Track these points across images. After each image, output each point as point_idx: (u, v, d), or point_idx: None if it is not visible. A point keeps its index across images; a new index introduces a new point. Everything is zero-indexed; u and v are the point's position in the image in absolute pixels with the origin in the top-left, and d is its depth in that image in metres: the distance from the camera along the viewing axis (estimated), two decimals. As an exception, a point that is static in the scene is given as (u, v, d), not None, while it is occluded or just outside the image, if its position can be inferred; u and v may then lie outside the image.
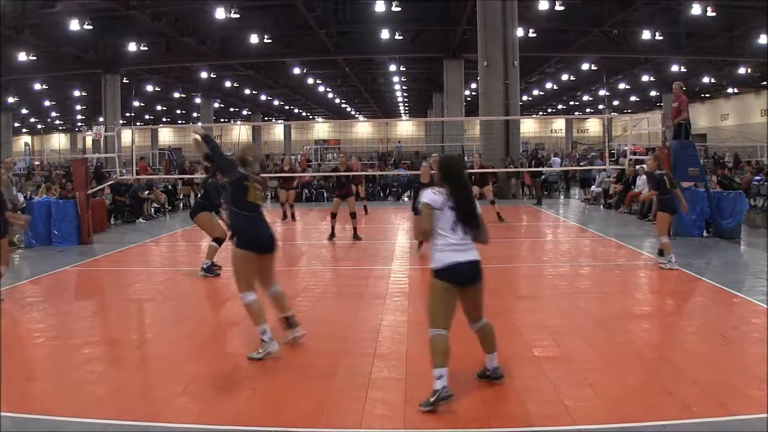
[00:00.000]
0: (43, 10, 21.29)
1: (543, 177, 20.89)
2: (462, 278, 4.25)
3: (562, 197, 21.60)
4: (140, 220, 15.68)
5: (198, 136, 5.70)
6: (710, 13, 20.97)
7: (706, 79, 36.53)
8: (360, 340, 5.64)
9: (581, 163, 23.82)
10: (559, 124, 58.40)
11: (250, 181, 5.23)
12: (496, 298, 7.35)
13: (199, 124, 50.36)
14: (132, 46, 25.63)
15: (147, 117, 52.84)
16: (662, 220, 8.89)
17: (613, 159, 18.72)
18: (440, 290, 4.23)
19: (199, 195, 10.66)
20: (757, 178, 16.41)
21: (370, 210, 16.80)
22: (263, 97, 46.27)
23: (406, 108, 58.36)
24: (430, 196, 4.26)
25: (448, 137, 29.53)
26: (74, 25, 21.77)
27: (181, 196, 19.81)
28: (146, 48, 26.16)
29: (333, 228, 11.78)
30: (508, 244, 11.93)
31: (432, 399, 4.01)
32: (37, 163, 36.29)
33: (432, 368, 4.10)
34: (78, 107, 46.56)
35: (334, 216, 11.73)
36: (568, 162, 26.87)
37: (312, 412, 4.08)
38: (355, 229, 11.64)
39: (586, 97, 48.40)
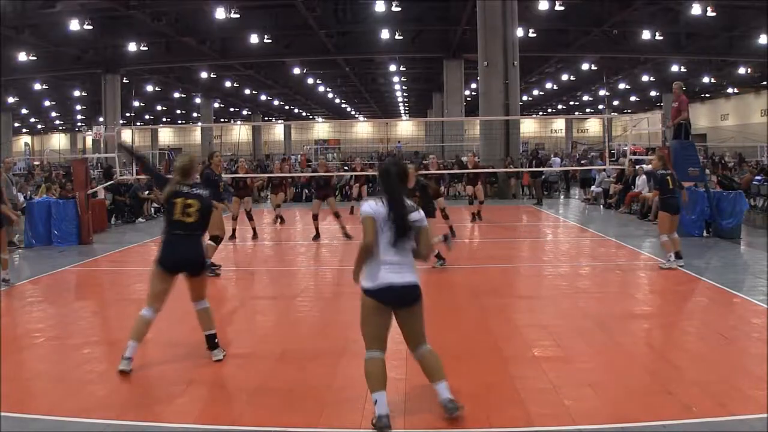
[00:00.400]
0: (43, 10, 21.29)
1: (543, 177, 20.90)
2: (394, 301, 3.89)
3: (562, 197, 21.60)
4: (140, 219, 15.68)
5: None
6: (710, 13, 20.98)
7: (706, 79, 36.54)
8: (360, 340, 5.61)
9: (581, 162, 23.82)
10: (559, 124, 58.40)
11: (181, 197, 4.98)
12: (496, 298, 7.37)
13: (199, 124, 50.51)
14: (132, 46, 25.64)
15: (147, 117, 52.84)
16: (663, 219, 8.87)
17: (613, 159, 18.71)
18: (371, 309, 3.88)
19: None
20: (758, 178, 16.41)
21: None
22: (263, 97, 46.29)
23: (406, 108, 58.37)
24: (372, 206, 3.90)
25: (448, 137, 29.55)
26: (74, 25, 21.79)
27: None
28: (146, 48, 26.18)
29: (317, 229, 11.92)
30: (508, 244, 11.94)
31: (373, 421, 3.75)
32: (36, 163, 36.31)
33: (370, 392, 3.84)
34: (78, 107, 46.57)
35: (315, 217, 11.89)
36: (568, 162, 26.87)
37: (312, 412, 4.08)
38: (343, 228, 11.70)
39: (586, 97, 48.41)
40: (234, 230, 12.03)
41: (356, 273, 3.97)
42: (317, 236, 11.81)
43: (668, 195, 8.80)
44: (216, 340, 5.15)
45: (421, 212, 4.02)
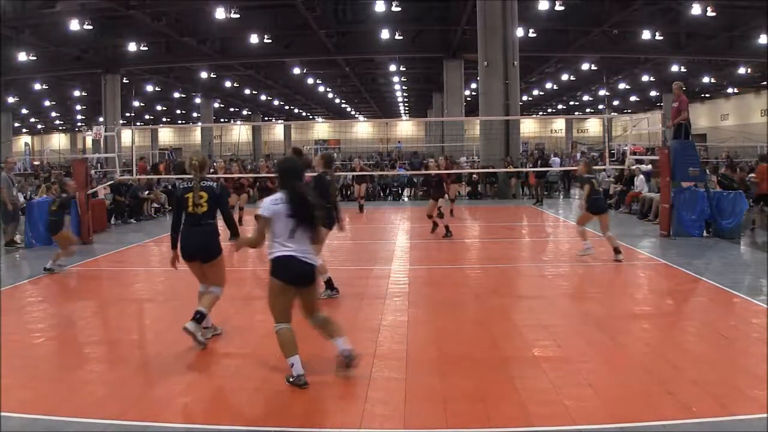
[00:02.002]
0: (43, 10, 21.31)
1: (545, 177, 20.90)
2: (297, 280, 4.53)
3: (561, 197, 21.60)
4: (131, 220, 15.59)
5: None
6: (710, 13, 20.99)
7: (706, 79, 36.55)
8: (360, 340, 5.64)
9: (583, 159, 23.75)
10: (559, 124, 58.43)
11: (191, 192, 5.43)
12: (496, 298, 7.37)
13: (199, 124, 50.52)
14: (132, 46, 25.66)
15: (147, 117, 52.86)
16: (586, 217, 9.52)
17: (613, 159, 18.71)
18: (277, 289, 4.54)
19: None
20: (751, 175, 16.43)
21: (370, 210, 16.79)
22: (263, 97, 46.30)
23: (406, 108, 58.38)
24: (266, 205, 4.50)
25: (448, 137, 29.56)
26: (74, 25, 21.80)
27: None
28: (146, 48, 26.19)
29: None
30: (508, 244, 11.94)
31: (292, 380, 4.45)
32: (36, 163, 36.31)
33: (285, 358, 4.50)
34: (78, 107, 46.61)
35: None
36: (568, 162, 26.87)
37: (312, 412, 4.08)
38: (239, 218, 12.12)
39: (586, 97, 48.42)
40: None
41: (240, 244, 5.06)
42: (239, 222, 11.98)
43: (595, 196, 9.51)
44: (198, 316, 5.35)
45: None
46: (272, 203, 4.48)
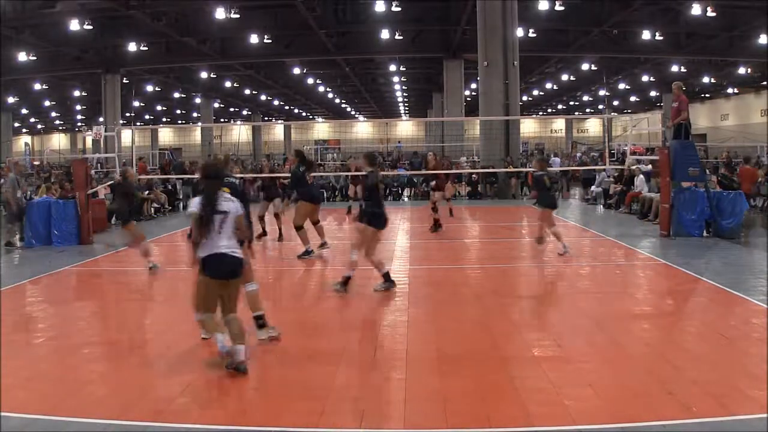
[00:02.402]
0: (43, 10, 21.30)
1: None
2: (222, 275, 4.81)
3: (561, 197, 21.58)
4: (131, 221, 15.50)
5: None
6: (710, 13, 20.97)
7: (706, 79, 36.54)
8: (360, 340, 5.65)
9: (585, 161, 23.78)
10: (559, 124, 58.41)
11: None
12: (496, 298, 7.38)
13: (199, 124, 50.53)
14: (132, 46, 25.64)
15: (147, 117, 52.85)
16: (547, 214, 9.92)
17: (613, 159, 18.72)
18: (203, 283, 4.85)
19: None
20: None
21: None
22: (263, 97, 46.28)
23: (406, 108, 58.36)
24: (195, 204, 4.88)
25: (448, 137, 29.56)
26: (74, 25, 21.78)
27: (181, 196, 19.81)
28: (146, 48, 26.17)
29: (263, 228, 12.00)
30: (508, 244, 11.94)
31: (223, 360, 4.72)
32: (36, 163, 36.31)
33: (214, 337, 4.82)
34: (78, 107, 46.58)
35: (261, 219, 11.86)
36: (567, 162, 26.86)
37: (312, 412, 4.08)
38: (279, 229, 11.86)
39: (586, 97, 48.40)
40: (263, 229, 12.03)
41: (192, 254, 4.92)
42: (264, 234, 11.85)
43: (547, 192, 9.98)
44: (261, 321, 5.49)
45: (235, 203, 4.93)
46: (197, 202, 4.86)
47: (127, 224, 9.34)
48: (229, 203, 4.88)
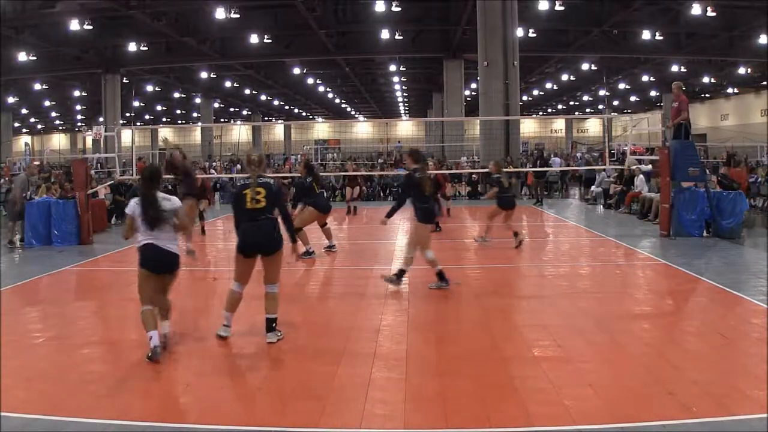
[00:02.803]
0: (43, 10, 21.31)
1: (545, 177, 20.90)
2: (156, 268, 5.25)
3: (561, 197, 21.60)
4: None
5: None
6: (710, 13, 20.98)
7: (706, 79, 36.54)
8: (360, 340, 5.64)
9: (587, 161, 23.77)
10: (559, 124, 58.40)
11: (249, 188, 5.51)
12: (496, 298, 7.37)
13: (199, 124, 50.51)
14: (132, 46, 25.65)
15: (147, 117, 52.85)
16: (495, 211, 10.96)
17: (613, 159, 18.72)
18: (142, 276, 5.26)
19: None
20: (751, 176, 16.48)
21: (370, 210, 16.76)
22: (263, 97, 46.29)
23: (406, 108, 58.36)
24: (132, 206, 5.27)
25: (448, 137, 29.56)
26: (74, 25, 21.79)
27: (181, 196, 19.77)
28: (146, 48, 26.18)
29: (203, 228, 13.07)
30: (508, 244, 11.92)
31: (150, 354, 5.01)
32: (36, 162, 36.27)
33: (146, 332, 5.10)
34: (78, 107, 46.58)
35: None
36: (565, 162, 26.86)
37: (312, 412, 4.08)
38: (202, 228, 12.94)
39: (586, 97, 48.41)
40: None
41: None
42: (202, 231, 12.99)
43: (504, 194, 10.77)
44: (274, 324, 5.56)
45: (174, 200, 5.32)
46: (134, 203, 5.24)
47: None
48: (166, 202, 5.26)
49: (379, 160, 30.33)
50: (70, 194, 12.50)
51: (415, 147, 9.35)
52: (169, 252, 5.24)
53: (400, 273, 7.59)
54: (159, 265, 5.25)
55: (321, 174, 12.90)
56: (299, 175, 10.86)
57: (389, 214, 7.64)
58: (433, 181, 12.72)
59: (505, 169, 11.86)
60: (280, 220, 5.61)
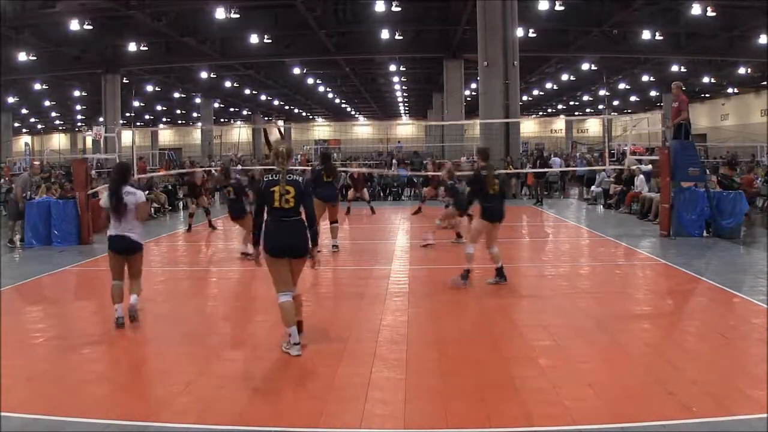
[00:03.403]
0: (43, 10, 21.30)
1: (545, 177, 20.89)
2: (119, 249, 6.17)
3: (561, 197, 21.60)
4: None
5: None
6: (710, 13, 20.97)
7: (706, 79, 36.54)
8: (360, 340, 5.65)
9: (587, 156, 23.78)
10: (559, 124, 58.42)
11: (278, 185, 5.19)
12: (496, 298, 7.37)
13: (199, 124, 50.52)
14: (132, 46, 25.64)
15: (147, 117, 52.85)
16: (450, 213, 11.00)
17: (613, 159, 18.72)
18: (110, 258, 6.24)
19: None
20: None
21: (370, 210, 16.73)
22: (263, 97, 46.27)
23: (406, 108, 58.35)
24: (104, 199, 6.27)
25: (448, 137, 29.58)
26: (74, 25, 21.78)
27: (181, 196, 19.82)
28: (146, 48, 26.17)
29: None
30: (508, 244, 11.92)
31: (115, 324, 5.99)
32: (36, 163, 36.26)
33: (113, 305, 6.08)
34: (78, 107, 46.58)
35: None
36: (564, 163, 26.85)
37: (312, 412, 4.08)
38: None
39: (586, 97, 48.40)
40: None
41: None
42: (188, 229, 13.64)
43: (460, 198, 10.60)
44: (300, 328, 5.36)
45: (136, 195, 6.20)
46: (107, 197, 6.15)
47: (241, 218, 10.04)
48: (131, 196, 6.13)
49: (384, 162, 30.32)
50: (70, 194, 12.49)
51: (485, 147, 9.48)
52: (129, 238, 6.16)
53: (466, 273, 7.73)
54: (122, 249, 6.19)
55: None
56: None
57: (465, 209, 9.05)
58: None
59: (504, 170, 11.84)
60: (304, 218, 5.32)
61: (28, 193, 12.30)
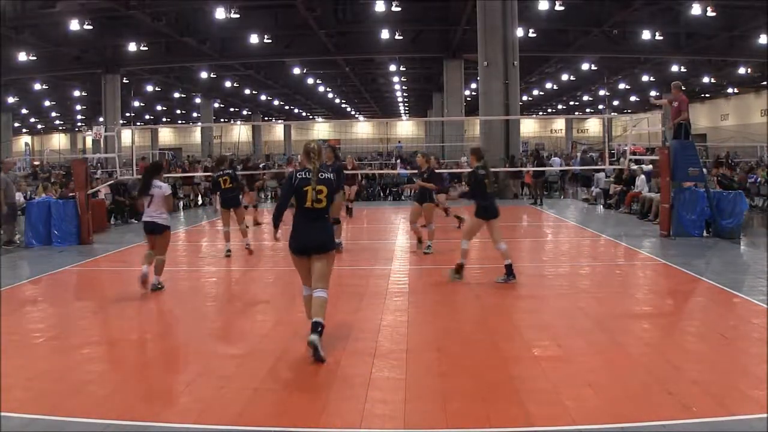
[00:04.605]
0: (43, 10, 21.32)
1: (544, 177, 20.89)
2: (148, 230, 7.69)
3: (561, 197, 21.61)
4: (132, 220, 15.49)
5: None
6: (710, 13, 20.99)
7: (706, 79, 36.55)
8: (360, 340, 5.64)
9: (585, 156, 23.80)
10: (559, 124, 58.44)
11: (310, 185, 5.10)
12: (496, 298, 7.37)
13: (199, 124, 50.52)
14: (132, 46, 25.67)
15: (147, 117, 52.87)
16: (430, 208, 10.29)
17: (613, 159, 18.73)
18: (145, 236, 7.73)
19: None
20: (751, 176, 16.48)
21: (370, 210, 16.73)
22: (263, 97, 46.30)
23: (406, 108, 58.38)
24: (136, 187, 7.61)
25: (448, 137, 29.58)
26: (74, 25, 21.81)
27: (181, 196, 19.83)
28: (146, 48, 26.20)
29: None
30: (508, 244, 11.91)
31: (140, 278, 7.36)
32: (36, 163, 36.31)
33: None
34: (78, 107, 46.61)
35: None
36: (564, 162, 26.85)
37: (312, 412, 4.08)
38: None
39: (586, 97, 48.43)
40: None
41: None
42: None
43: (427, 201, 10.18)
44: (320, 329, 5.01)
45: (162, 187, 7.61)
46: (138, 188, 7.79)
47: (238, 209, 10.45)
48: (157, 189, 7.52)
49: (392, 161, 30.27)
50: (70, 194, 12.49)
51: (478, 147, 9.23)
52: (154, 222, 7.56)
53: (459, 267, 7.90)
54: (150, 230, 7.61)
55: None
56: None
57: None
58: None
59: (502, 169, 11.69)
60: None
61: (28, 192, 12.27)
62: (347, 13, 24.47)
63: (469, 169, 8.68)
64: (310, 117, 60.76)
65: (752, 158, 27.74)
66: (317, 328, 5.00)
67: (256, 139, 55.37)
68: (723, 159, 17.86)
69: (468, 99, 35.23)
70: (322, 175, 5.14)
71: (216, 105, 47.61)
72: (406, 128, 55.35)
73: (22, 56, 25.13)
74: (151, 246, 7.64)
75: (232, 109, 53.47)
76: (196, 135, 52.63)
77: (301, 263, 5.28)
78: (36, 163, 36.76)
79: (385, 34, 24.60)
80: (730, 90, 41.39)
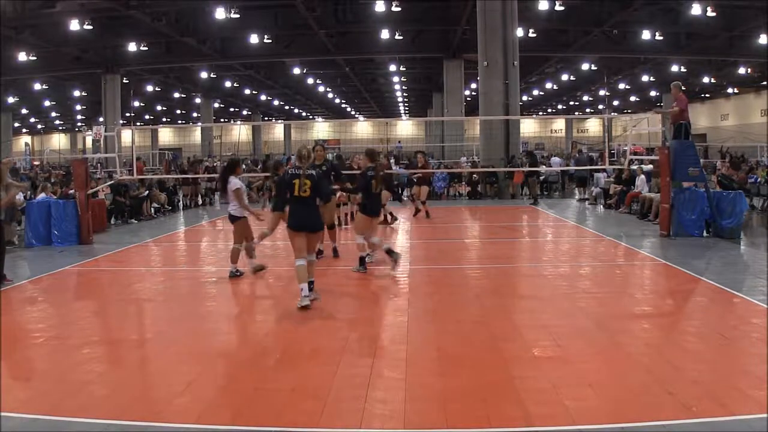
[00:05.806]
0: (43, 10, 21.33)
1: (543, 177, 20.87)
2: (231, 221, 8.54)
3: (561, 197, 21.60)
4: (132, 220, 15.51)
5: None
6: (710, 13, 21.00)
7: (706, 79, 36.55)
8: (360, 339, 5.65)
9: (583, 160, 23.79)
10: (559, 124, 58.45)
11: (298, 178, 6.71)
12: (496, 298, 7.38)
13: (199, 124, 50.52)
14: (132, 46, 25.68)
15: (147, 117, 52.88)
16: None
17: (613, 159, 18.72)
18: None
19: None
20: (752, 176, 16.47)
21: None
22: (263, 97, 46.31)
23: (406, 108, 58.39)
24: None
25: (448, 137, 29.60)
26: (74, 25, 21.82)
27: (181, 196, 19.83)
28: (146, 48, 26.21)
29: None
30: (508, 244, 11.93)
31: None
32: (36, 163, 36.32)
33: None
34: (78, 107, 46.62)
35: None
36: (563, 163, 26.84)
37: (312, 412, 4.08)
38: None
39: (586, 97, 48.44)
40: None
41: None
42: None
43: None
44: (311, 285, 6.84)
45: (233, 182, 8.27)
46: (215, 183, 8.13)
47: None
48: (229, 184, 8.30)
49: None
50: (71, 194, 12.49)
51: (372, 147, 9.99)
52: (232, 214, 8.42)
53: (361, 260, 8.67)
54: (229, 220, 8.52)
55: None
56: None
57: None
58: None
59: (502, 169, 11.63)
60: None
61: (28, 192, 12.26)
62: (347, 13, 24.48)
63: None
64: (310, 117, 60.76)
65: (752, 158, 27.73)
66: (310, 285, 6.80)
67: (256, 139, 55.35)
68: (727, 153, 17.83)
69: (468, 99, 35.23)
70: (307, 172, 6.77)
71: (216, 105, 47.61)
72: (406, 128, 55.33)
73: (22, 56, 25.13)
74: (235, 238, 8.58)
75: (232, 109, 53.47)
76: (196, 135, 52.62)
77: (298, 237, 6.78)
78: (36, 163, 36.78)
79: (385, 34, 24.61)
80: (730, 90, 41.40)
